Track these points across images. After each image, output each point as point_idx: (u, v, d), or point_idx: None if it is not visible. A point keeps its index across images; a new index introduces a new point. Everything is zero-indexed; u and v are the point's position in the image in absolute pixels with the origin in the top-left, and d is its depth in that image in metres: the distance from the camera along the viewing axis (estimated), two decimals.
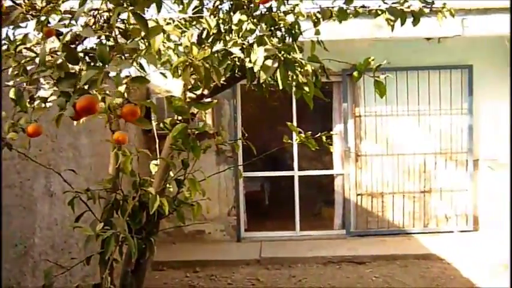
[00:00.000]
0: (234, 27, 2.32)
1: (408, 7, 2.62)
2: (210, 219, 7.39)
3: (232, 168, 6.69)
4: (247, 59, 2.32)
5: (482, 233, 7.72)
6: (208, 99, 2.86)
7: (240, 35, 2.28)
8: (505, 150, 7.70)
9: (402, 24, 2.69)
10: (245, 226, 7.86)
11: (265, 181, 8.97)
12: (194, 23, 2.58)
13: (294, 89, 2.56)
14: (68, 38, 2.02)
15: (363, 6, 2.71)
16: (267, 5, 2.67)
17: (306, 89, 2.46)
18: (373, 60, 2.50)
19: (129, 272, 2.71)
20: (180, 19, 2.54)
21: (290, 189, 7.87)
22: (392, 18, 2.71)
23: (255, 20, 2.39)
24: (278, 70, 2.18)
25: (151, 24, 1.82)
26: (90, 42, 2.11)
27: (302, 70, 2.29)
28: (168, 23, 2.37)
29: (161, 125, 2.66)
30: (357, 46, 6.99)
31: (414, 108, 7.63)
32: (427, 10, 2.64)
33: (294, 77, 2.44)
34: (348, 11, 2.81)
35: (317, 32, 2.88)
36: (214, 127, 7.03)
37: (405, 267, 6.44)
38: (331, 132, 2.82)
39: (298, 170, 7.80)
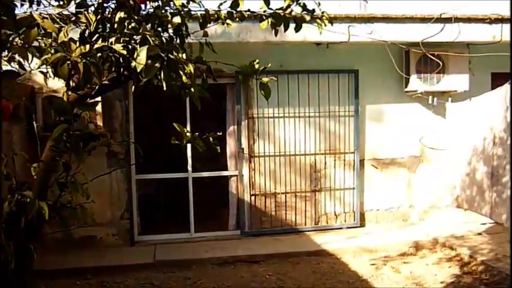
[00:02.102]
0: (116, 25, 2.27)
1: (290, 13, 2.71)
2: (101, 224, 7.16)
3: (124, 170, 6.51)
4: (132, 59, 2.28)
5: (368, 228, 8.18)
6: (94, 100, 2.78)
7: (124, 34, 2.23)
8: (388, 150, 8.26)
9: (285, 29, 2.78)
10: (139, 229, 7.70)
11: (159, 183, 8.84)
12: (74, 19, 2.49)
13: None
14: None
15: (249, 11, 2.77)
16: (154, 4, 2.65)
17: (193, 90, 2.46)
18: (257, 63, 2.56)
19: (6, 280, 2.55)
20: (60, 14, 2.44)
21: (184, 191, 7.83)
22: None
23: (138, 19, 2.35)
24: (162, 70, 2.16)
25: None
26: None
27: (187, 71, 2.28)
28: (44, 18, 2.26)
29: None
30: (251, 49, 7.12)
31: (305, 110, 7.91)
32: (308, 17, 2.75)
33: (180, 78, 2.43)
34: (235, 14, 2.85)
35: (205, 34, 2.89)
36: (104, 128, 6.82)
37: (297, 264, 6.62)
38: (218, 133, 2.84)
39: (193, 171, 7.78)
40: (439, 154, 8.37)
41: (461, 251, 6.70)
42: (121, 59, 2.39)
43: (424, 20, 7.53)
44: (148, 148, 7.76)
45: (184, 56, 2.35)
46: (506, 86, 6.48)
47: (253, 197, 7.86)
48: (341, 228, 8.08)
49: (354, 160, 8.08)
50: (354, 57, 8.01)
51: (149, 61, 2.11)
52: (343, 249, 7.08)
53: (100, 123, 6.90)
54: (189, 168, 7.75)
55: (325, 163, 8.04)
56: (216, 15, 2.76)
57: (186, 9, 2.64)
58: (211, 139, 2.75)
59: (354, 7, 9.04)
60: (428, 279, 5.97)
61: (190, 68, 2.24)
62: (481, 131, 6.98)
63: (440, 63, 7.78)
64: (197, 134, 2.78)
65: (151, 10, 2.66)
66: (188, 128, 7.43)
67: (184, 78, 2.26)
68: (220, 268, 6.58)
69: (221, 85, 7.57)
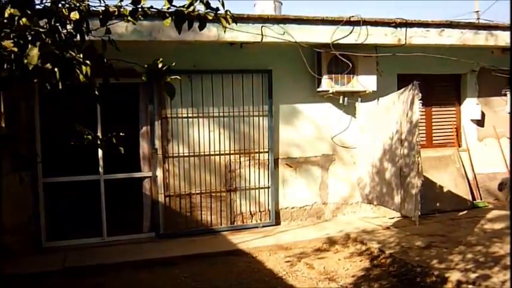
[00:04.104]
0: (6, 20, 2.13)
1: (193, 11, 2.67)
2: (6, 229, 6.76)
3: (30, 173, 6.18)
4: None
5: (284, 226, 8.30)
6: None
7: (14, 30, 2.09)
8: (301, 149, 8.42)
9: (189, 27, 2.73)
10: (47, 235, 7.34)
11: (69, 186, 8.47)
12: None
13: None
14: None
15: (152, 8, 2.69)
16: None
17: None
18: (161, 62, 2.49)
19: None
20: None
21: (96, 193, 7.55)
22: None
23: (31, 14, 2.20)
24: (57, 69, 2.05)
25: None
26: None
27: (84, 71, 2.17)
28: None
29: None
30: (165, 48, 7.01)
31: (219, 110, 7.89)
32: (211, 15, 2.71)
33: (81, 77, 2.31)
34: (138, 12, 2.76)
35: (107, 31, 2.78)
36: (6, 129, 6.43)
37: (214, 265, 6.58)
38: (121, 134, 2.75)
39: (105, 173, 7.52)
40: (350, 152, 8.66)
41: (371, 245, 6.97)
42: (12, 56, 2.23)
43: (334, 22, 7.75)
44: (58, 150, 7.49)
45: (81, 54, 2.23)
46: (409, 89, 6.78)
47: (167, 198, 7.73)
48: (257, 227, 8.14)
49: (268, 159, 8.17)
50: (267, 58, 8.09)
51: (41, 60, 1.98)
52: (259, 247, 7.13)
53: (2, 123, 6.49)
54: (101, 170, 7.48)
55: (240, 163, 8.06)
56: (117, 12, 2.66)
57: (84, 4, 2.52)
58: (114, 140, 2.65)
59: (270, 8, 9.19)
60: (340, 273, 6.14)
61: (87, 67, 2.14)
62: (388, 131, 7.28)
63: (350, 65, 8.03)
64: (99, 134, 2.66)
65: (49, 4, 2.52)
66: (99, 129, 7.21)
67: (81, 77, 2.15)
68: (134, 272, 6.39)
69: (134, 85, 7.37)
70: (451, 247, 6.62)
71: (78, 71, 2.12)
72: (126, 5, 2.63)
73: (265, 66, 8.08)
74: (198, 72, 7.61)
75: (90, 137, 2.58)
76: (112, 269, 6.45)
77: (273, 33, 7.41)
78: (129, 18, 2.63)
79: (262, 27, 7.36)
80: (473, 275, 5.48)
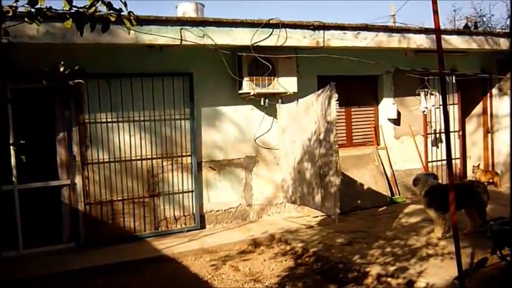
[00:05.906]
0: None
1: (95, 12, 2.58)
2: None
3: None
4: None
5: (209, 229, 8.26)
6: None
7: None
8: (225, 152, 8.42)
9: (92, 29, 2.63)
10: None
11: None
12: None
13: None
14: None
15: (51, 8, 2.58)
16: None
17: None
18: (63, 65, 2.39)
19: None
20: None
21: (10, 204, 7.16)
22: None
23: None
24: None
25: None
26: None
27: None
28: None
29: None
30: (82, 50, 6.83)
31: (140, 114, 7.75)
32: (113, 17, 2.63)
33: None
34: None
35: (6, 33, 2.64)
36: None
37: (138, 273, 6.44)
38: (21, 141, 2.61)
39: (19, 183, 7.15)
40: (274, 153, 8.76)
41: (295, 245, 7.08)
42: None
43: (253, 24, 7.79)
44: None
45: None
46: (326, 89, 6.91)
47: (88, 206, 7.49)
48: (182, 231, 8.05)
49: (192, 163, 8.11)
50: (188, 61, 8.04)
51: None
52: (184, 252, 7.07)
53: None
54: (14, 179, 7.10)
55: (163, 167, 7.95)
56: (11, 13, 2.52)
57: None
58: (12, 148, 2.51)
59: (191, 10, 9.10)
60: (265, 274, 6.19)
61: None
62: (308, 131, 7.41)
63: (271, 67, 8.11)
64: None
65: None
66: (11, 136, 6.86)
67: None
68: (51, 286, 6.12)
69: (48, 89, 7.04)
70: (372, 242, 6.86)
71: None
72: (23, 5, 2.51)
73: (186, 69, 8.02)
74: (117, 76, 7.43)
75: None
76: (27, 283, 6.15)
77: (193, 36, 7.34)
78: (25, 19, 2.50)
79: (181, 29, 7.27)
80: (392, 268, 5.70)
